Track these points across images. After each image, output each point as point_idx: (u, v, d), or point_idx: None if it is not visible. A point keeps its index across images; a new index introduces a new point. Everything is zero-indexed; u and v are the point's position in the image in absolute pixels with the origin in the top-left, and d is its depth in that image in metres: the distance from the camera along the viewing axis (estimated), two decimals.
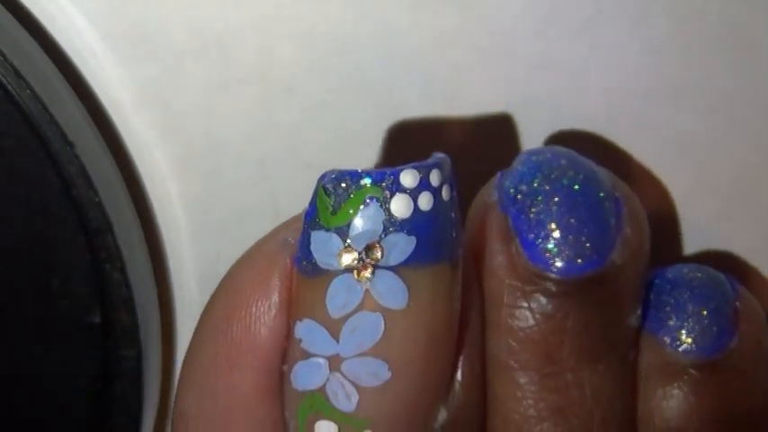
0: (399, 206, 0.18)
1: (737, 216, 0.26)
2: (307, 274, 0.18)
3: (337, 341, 0.18)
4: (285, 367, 0.19)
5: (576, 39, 0.24)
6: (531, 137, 0.25)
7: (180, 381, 0.20)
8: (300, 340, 0.18)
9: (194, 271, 0.26)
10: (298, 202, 0.25)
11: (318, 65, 0.24)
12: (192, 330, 0.26)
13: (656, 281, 0.21)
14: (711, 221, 0.26)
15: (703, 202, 0.26)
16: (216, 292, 0.20)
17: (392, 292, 0.18)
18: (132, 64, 0.24)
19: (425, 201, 0.18)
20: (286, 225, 0.20)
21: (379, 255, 0.18)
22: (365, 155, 0.25)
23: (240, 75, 0.24)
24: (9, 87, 0.22)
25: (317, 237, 0.18)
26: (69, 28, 0.24)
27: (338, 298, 0.18)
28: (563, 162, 0.20)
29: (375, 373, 0.18)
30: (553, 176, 0.20)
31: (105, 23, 0.24)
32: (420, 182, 0.18)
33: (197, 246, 0.26)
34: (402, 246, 0.18)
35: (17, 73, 0.22)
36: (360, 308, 0.18)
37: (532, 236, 0.19)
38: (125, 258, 0.23)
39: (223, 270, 0.26)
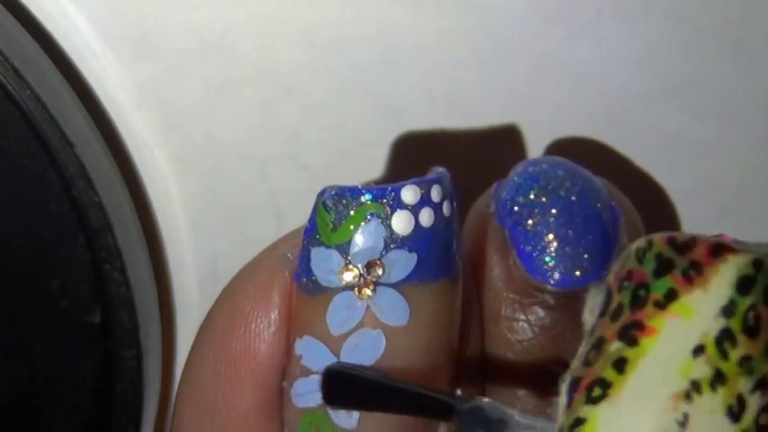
0: (400, 223, 0.18)
1: (737, 216, 0.26)
2: (307, 290, 0.18)
3: (338, 358, 0.18)
4: (285, 384, 0.19)
5: (576, 39, 0.24)
6: (531, 137, 0.25)
7: (177, 396, 0.20)
8: (300, 357, 0.18)
9: (194, 271, 0.26)
10: (297, 203, 0.25)
11: (318, 65, 0.24)
12: (192, 330, 0.26)
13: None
14: (711, 221, 0.26)
15: (703, 201, 0.26)
16: (214, 307, 0.20)
17: (393, 309, 0.18)
18: (132, 64, 0.24)
19: (426, 217, 0.18)
20: (285, 240, 0.19)
21: (380, 272, 0.18)
22: (365, 155, 0.25)
23: (240, 75, 0.24)
24: (9, 87, 0.22)
25: (317, 253, 0.18)
26: (69, 28, 0.24)
27: (339, 315, 0.18)
28: (560, 173, 0.20)
29: None
30: (550, 188, 0.19)
31: (105, 23, 0.24)
32: (421, 198, 0.18)
33: (197, 246, 0.26)
34: (403, 263, 0.18)
35: (17, 73, 0.22)
36: (360, 325, 0.18)
37: (529, 248, 0.19)
38: (125, 258, 0.23)
39: (223, 270, 0.26)
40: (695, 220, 0.26)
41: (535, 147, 0.25)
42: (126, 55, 0.24)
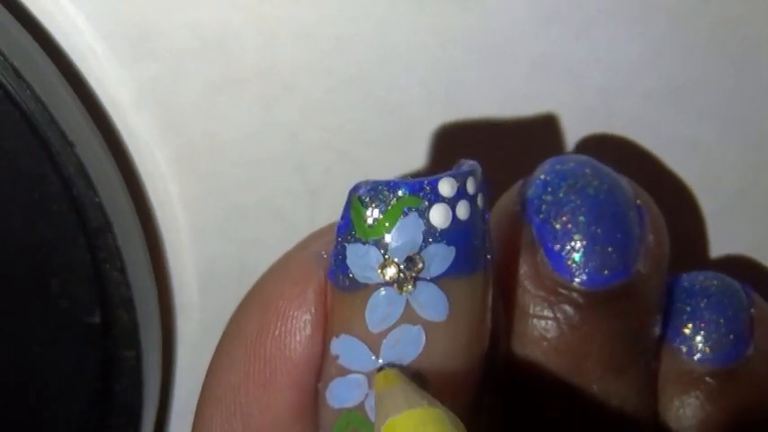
0: (438, 216, 0.17)
1: (738, 216, 0.26)
2: (343, 288, 0.18)
3: (377, 356, 0.18)
4: (320, 385, 0.18)
5: (576, 39, 0.24)
6: (531, 137, 0.25)
7: (202, 401, 0.19)
8: (337, 357, 0.18)
9: (194, 271, 0.26)
10: (298, 203, 0.25)
11: (318, 65, 0.24)
12: (192, 330, 0.26)
13: (673, 289, 0.21)
14: (712, 221, 0.26)
15: (703, 202, 0.26)
16: (243, 308, 0.19)
17: (434, 304, 0.18)
18: (132, 64, 0.24)
19: (463, 210, 0.18)
20: (316, 237, 0.19)
21: (419, 266, 0.17)
22: (365, 155, 0.25)
23: (240, 75, 0.24)
24: (9, 87, 0.22)
25: (353, 250, 0.17)
26: (69, 28, 0.24)
27: (379, 312, 0.17)
28: (587, 171, 0.20)
29: None
30: (578, 186, 0.19)
31: (105, 23, 0.24)
32: (457, 190, 0.17)
33: (197, 246, 0.26)
34: (442, 256, 0.17)
35: (17, 73, 0.22)
36: (401, 321, 0.17)
37: (558, 246, 0.19)
38: (125, 258, 0.23)
39: (223, 270, 0.26)
40: (696, 220, 0.26)
41: (535, 147, 0.25)
42: (126, 55, 0.24)
